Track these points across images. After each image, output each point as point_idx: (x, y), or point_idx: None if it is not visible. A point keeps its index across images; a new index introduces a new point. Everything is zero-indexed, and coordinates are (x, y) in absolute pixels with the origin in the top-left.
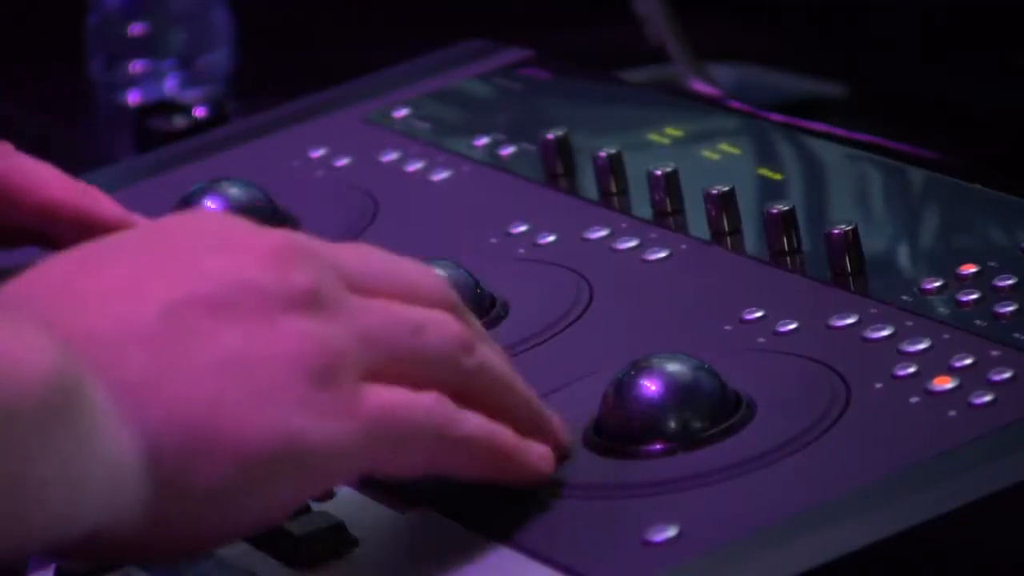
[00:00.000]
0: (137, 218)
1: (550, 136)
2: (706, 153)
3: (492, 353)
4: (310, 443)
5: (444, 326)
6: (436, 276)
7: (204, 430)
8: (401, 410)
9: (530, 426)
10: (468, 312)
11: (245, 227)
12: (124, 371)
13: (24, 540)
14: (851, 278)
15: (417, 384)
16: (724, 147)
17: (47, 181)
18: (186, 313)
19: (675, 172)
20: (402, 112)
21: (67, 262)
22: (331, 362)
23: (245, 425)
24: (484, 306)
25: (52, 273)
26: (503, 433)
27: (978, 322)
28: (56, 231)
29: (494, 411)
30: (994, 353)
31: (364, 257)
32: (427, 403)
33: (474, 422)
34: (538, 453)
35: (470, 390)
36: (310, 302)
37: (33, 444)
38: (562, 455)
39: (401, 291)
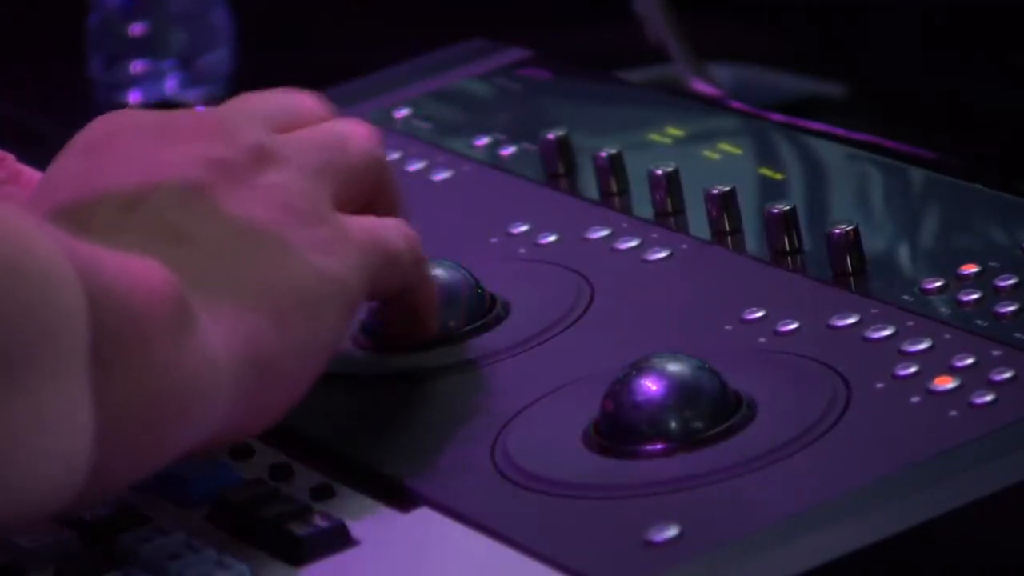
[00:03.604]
0: None
1: (550, 136)
2: (707, 153)
3: None
4: (341, 277)
5: (353, 132)
6: (304, 93)
7: (271, 302)
8: (379, 232)
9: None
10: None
11: (166, 115)
12: (190, 273)
13: (174, 448)
14: (852, 278)
15: (369, 191)
16: (724, 147)
17: None
18: (191, 202)
19: (676, 172)
20: (402, 112)
21: (61, 211)
22: (310, 202)
23: (296, 281)
24: (484, 306)
25: (59, 221)
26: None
27: (979, 322)
28: None
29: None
30: (995, 353)
31: (257, 103)
32: (395, 224)
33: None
34: None
35: (390, 180)
36: (264, 156)
37: (170, 341)
38: None
39: (299, 119)
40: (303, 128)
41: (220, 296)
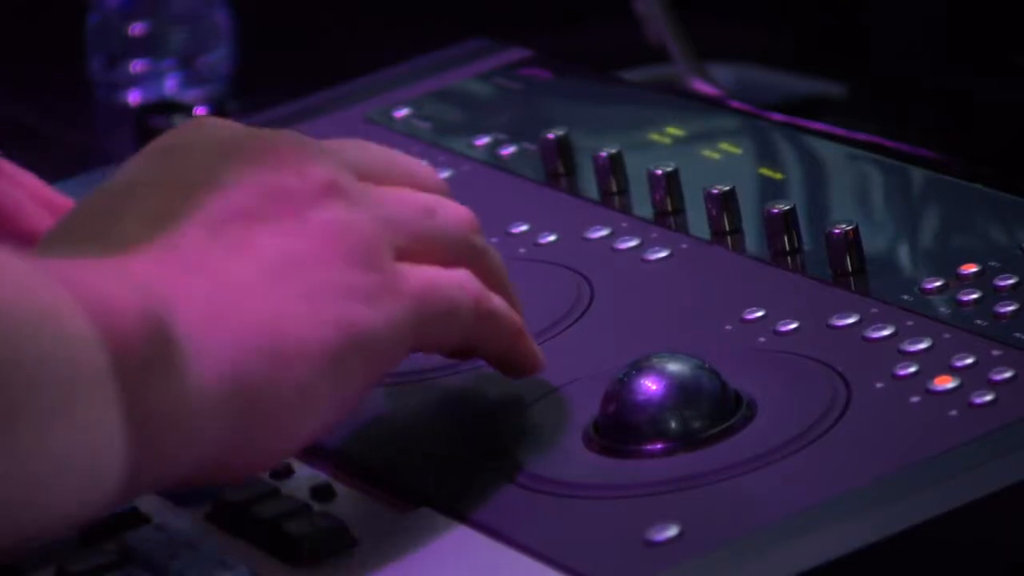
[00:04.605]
0: None
1: (550, 136)
2: (706, 153)
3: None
4: (370, 328)
5: (452, 208)
6: (427, 166)
7: (273, 344)
8: (440, 285)
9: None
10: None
11: (242, 132)
12: (191, 302)
13: (154, 480)
14: (851, 278)
15: (445, 263)
16: (724, 147)
17: (30, 211)
18: (226, 228)
19: (675, 172)
20: (402, 112)
21: (91, 212)
22: (367, 245)
23: (308, 327)
24: None
25: (82, 226)
26: (517, 316)
27: (979, 322)
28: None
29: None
30: (995, 353)
31: (363, 149)
32: (460, 277)
33: (497, 299)
34: (538, 347)
35: (479, 270)
36: (333, 192)
37: (145, 382)
38: None
39: (401, 179)
40: (402, 187)
41: (221, 329)
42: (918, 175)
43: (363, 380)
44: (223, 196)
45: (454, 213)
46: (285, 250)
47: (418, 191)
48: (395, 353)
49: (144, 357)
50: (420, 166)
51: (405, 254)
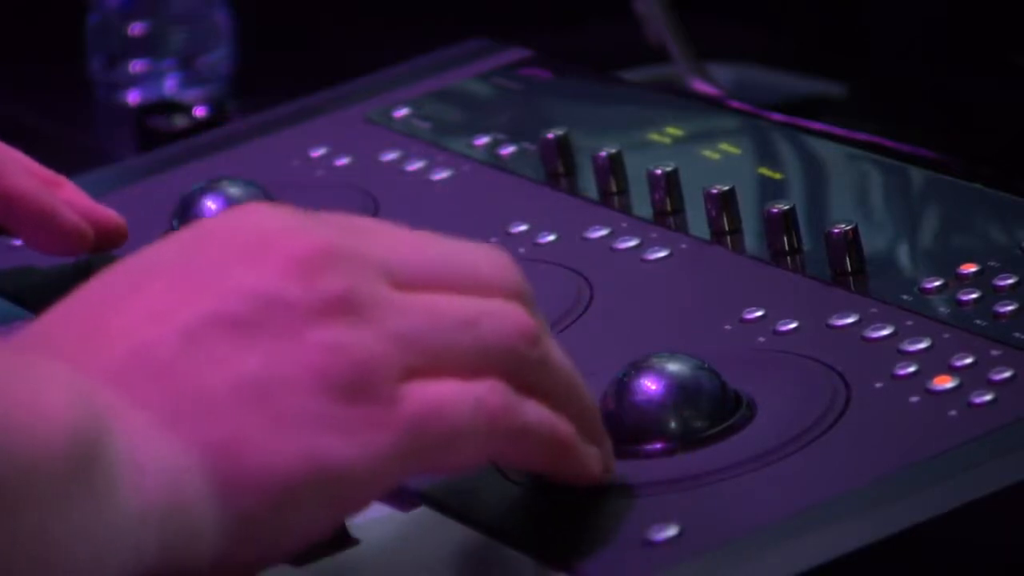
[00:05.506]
0: (104, 210)
1: (550, 136)
2: (706, 153)
3: (557, 348)
4: (339, 464)
5: (502, 317)
6: (499, 260)
7: (225, 466)
8: (448, 406)
9: (587, 431)
10: (533, 301)
11: (280, 226)
12: (142, 412)
13: None
14: (851, 277)
15: (473, 373)
16: (724, 147)
17: (11, 171)
18: (206, 337)
19: (675, 172)
20: (402, 112)
21: (98, 290)
22: (360, 371)
23: (268, 455)
24: None
25: (81, 305)
26: (563, 426)
27: (978, 321)
28: (14, 221)
29: (554, 406)
30: (994, 352)
31: (412, 247)
32: (479, 392)
33: (533, 412)
34: (594, 454)
35: (531, 383)
36: (341, 309)
37: (52, 504)
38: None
39: (457, 281)
40: (450, 293)
41: (167, 444)
42: (918, 175)
43: (327, 516)
44: (220, 299)
45: (504, 325)
46: (265, 370)
47: (469, 296)
48: (371, 489)
49: (65, 472)
50: (487, 262)
51: (423, 371)
